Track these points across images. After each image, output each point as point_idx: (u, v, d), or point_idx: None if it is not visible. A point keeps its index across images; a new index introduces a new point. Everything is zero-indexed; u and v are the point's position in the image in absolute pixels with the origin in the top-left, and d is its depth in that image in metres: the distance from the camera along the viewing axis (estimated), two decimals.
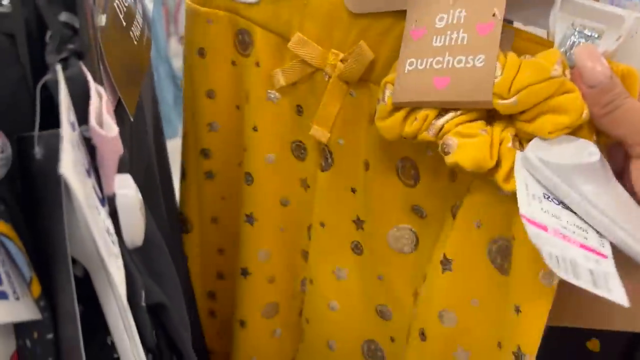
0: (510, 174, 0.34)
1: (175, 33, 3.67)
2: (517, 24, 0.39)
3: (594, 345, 0.47)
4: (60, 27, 0.24)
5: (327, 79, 0.41)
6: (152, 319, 0.31)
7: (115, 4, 0.34)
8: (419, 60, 0.35)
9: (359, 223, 0.44)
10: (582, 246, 0.31)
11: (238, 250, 0.53)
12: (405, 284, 0.43)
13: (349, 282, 0.45)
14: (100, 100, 0.25)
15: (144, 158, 0.42)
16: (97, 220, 0.24)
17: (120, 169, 0.28)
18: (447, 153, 0.35)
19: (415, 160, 0.41)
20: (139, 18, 0.39)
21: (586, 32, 0.32)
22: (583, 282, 0.29)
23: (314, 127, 0.42)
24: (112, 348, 0.31)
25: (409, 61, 0.36)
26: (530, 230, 0.30)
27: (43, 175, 0.25)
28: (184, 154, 0.53)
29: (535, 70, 0.32)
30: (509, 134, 0.34)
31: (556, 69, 0.31)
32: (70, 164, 0.21)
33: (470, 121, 0.35)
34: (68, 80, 0.25)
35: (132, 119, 0.32)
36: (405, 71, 0.36)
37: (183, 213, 0.55)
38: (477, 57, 0.33)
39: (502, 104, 0.33)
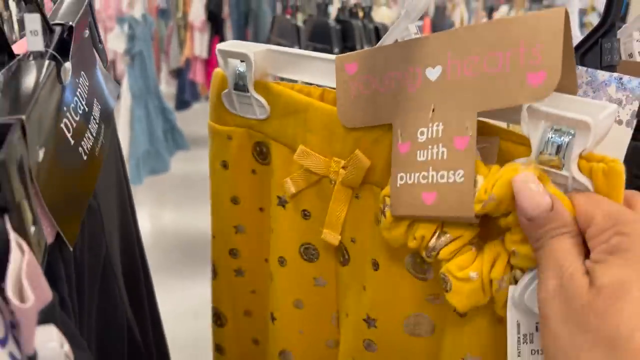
0: (503, 307, 0.32)
1: (166, 65, 3.71)
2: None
3: None
4: None
5: (332, 184, 0.41)
6: None
7: (62, 124, 0.34)
8: (408, 175, 0.34)
9: (370, 322, 0.42)
10: None
11: (267, 345, 0.51)
12: None
13: None
14: (22, 259, 0.24)
15: (99, 261, 0.42)
16: None
17: (47, 319, 0.27)
18: (446, 290, 0.33)
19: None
20: (93, 125, 0.39)
21: (563, 129, 0.29)
22: None
23: (325, 232, 0.42)
24: None
25: (399, 175, 0.34)
26: None
27: None
28: (214, 253, 0.54)
29: (507, 169, 0.30)
30: (497, 277, 0.32)
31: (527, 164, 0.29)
32: None
33: (463, 246, 0.33)
34: None
35: (71, 249, 0.32)
36: (398, 185, 0.34)
37: (217, 308, 0.56)
38: (457, 172, 0.31)
39: (480, 207, 0.31)
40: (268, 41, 2.02)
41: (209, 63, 3.44)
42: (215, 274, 0.55)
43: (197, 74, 3.42)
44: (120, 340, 0.41)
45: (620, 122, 0.36)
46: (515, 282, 0.31)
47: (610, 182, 0.29)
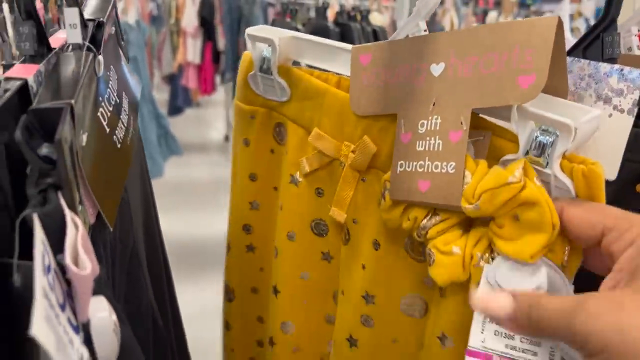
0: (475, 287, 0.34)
1: (158, 70, 3.72)
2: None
3: None
4: (38, 162, 0.24)
5: (342, 166, 0.43)
6: None
7: (99, 114, 0.36)
8: (407, 163, 0.36)
9: (368, 298, 0.44)
10: None
11: (268, 319, 0.55)
12: (417, 346, 0.44)
13: (360, 349, 0.46)
14: (76, 233, 0.23)
15: (127, 249, 0.43)
16: (70, 355, 0.22)
17: (96, 291, 0.29)
18: (429, 264, 0.36)
19: None
20: (123, 117, 0.41)
21: (549, 129, 0.31)
22: None
23: (333, 209, 0.45)
24: None
25: (399, 163, 0.37)
26: None
27: (21, 302, 0.22)
28: (229, 228, 0.57)
29: (495, 177, 0.31)
30: (478, 252, 0.34)
31: (515, 176, 0.31)
32: (43, 321, 0.20)
33: (451, 227, 0.35)
34: (45, 215, 0.23)
35: (111, 229, 0.34)
36: (397, 172, 0.37)
37: (228, 283, 0.58)
38: (450, 164, 0.34)
39: (467, 209, 0.33)
40: None
41: (202, 69, 3.45)
42: (228, 248, 0.58)
43: (190, 80, 3.44)
44: (147, 330, 0.43)
45: (622, 111, 0.39)
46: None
47: (590, 182, 0.31)
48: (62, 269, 0.24)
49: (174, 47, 3.50)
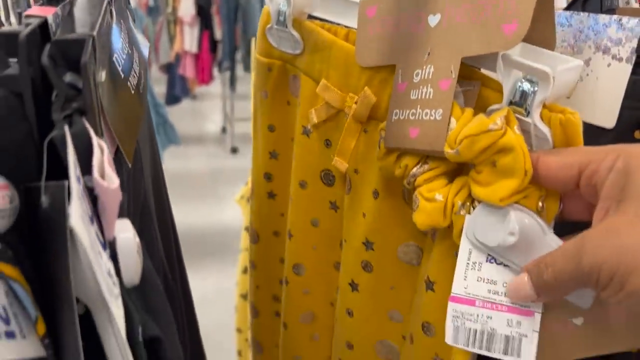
0: (459, 236, 0.36)
1: (155, 61, 3.73)
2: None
3: None
4: (64, 87, 0.26)
5: (347, 118, 0.45)
6: (147, 353, 0.32)
7: (114, 58, 0.37)
8: (401, 111, 0.38)
9: (368, 244, 0.47)
10: (510, 310, 0.34)
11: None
12: (413, 291, 0.46)
13: (361, 294, 0.49)
14: (102, 154, 0.26)
15: (139, 198, 0.44)
16: (100, 264, 0.24)
17: (120, 214, 0.30)
18: (413, 209, 0.38)
19: None
20: (135, 67, 0.42)
21: (533, 79, 0.32)
22: (494, 353, 0.34)
23: (335, 159, 0.47)
24: None
25: (395, 111, 0.38)
26: (451, 312, 0.35)
27: (49, 223, 0.26)
28: (252, 176, 0.62)
29: (477, 124, 0.32)
30: (459, 200, 0.36)
31: (496, 123, 0.31)
32: (79, 217, 0.22)
33: (438, 176, 0.37)
34: (73, 136, 0.25)
35: (130, 166, 0.35)
36: (392, 120, 0.38)
37: (253, 227, 0.63)
38: (437, 111, 0.35)
39: (449, 153, 0.34)
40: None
41: (199, 58, 3.45)
42: (252, 195, 0.62)
43: (187, 69, 3.44)
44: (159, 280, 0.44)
45: (620, 60, 0.40)
46: None
47: (567, 132, 0.32)
48: (88, 190, 0.25)
49: (171, 36, 3.50)
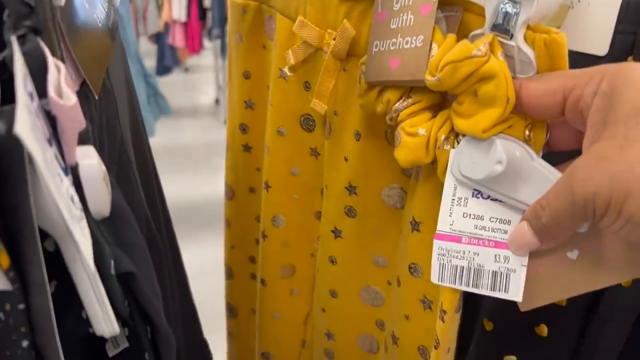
0: (444, 173, 0.35)
1: (144, 32, 3.68)
2: None
3: (541, 330, 0.46)
4: (16, 4, 0.24)
5: (325, 57, 0.43)
6: (122, 289, 0.32)
7: None
8: (381, 42, 0.36)
9: (351, 189, 0.46)
10: (497, 245, 0.33)
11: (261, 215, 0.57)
12: (398, 235, 0.46)
13: (344, 240, 0.48)
14: (58, 72, 0.26)
15: (116, 143, 0.43)
16: (59, 186, 0.23)
17: (83, 142, 0.29)
18: (395, 145, 0.36)
19: None
20: (103, 3, 0.40)
21: (516, 0, 0.31)
22: (482, 290, 0.34)
23: (314, 101, 0.44)
24: (88, 322, 0.32)
25: (374, 43, 0.37)
26: (436, 250, 0.35)
27: (7, 149, 0.25)
28: (228, 129, 0.59)
29: (460, 50, 0.31)
30: (442, 134, 0.35)
31: (480, 50, 0.31)
32: (27, 127, 0.20)
33: (421, 110, 0.36)
34: (25, 54, 0.24)
35: (96, 97, 0.33)
36: (372, 53, 0.37)
37: (228, 183, 0.61)
38: (418, 37, 0.34)
39: (429, 81, 0.33)
40: None
41: (188, 26, 3.40)
42: (227, 149, 0.60)
43: (177, 38, 3.39)
44: (141, 228, 0.43)
45: None
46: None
47: (551, 52, 0.31)
48: (46, 114, 0.24)
49: (159, 5, 3.44)
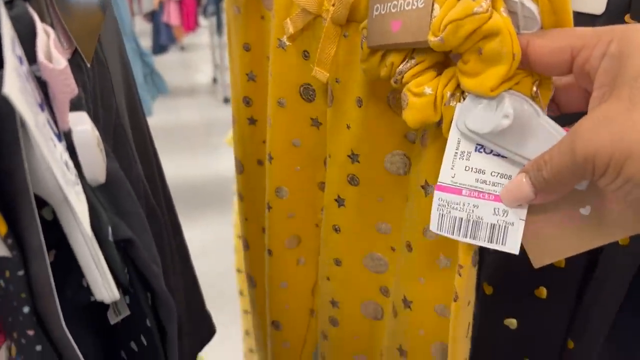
0: (449, 129, 0.35)
1: (139, 12, 3.64)
2: None
3: (540, 293, 0.46)
4: None
5: (325, 24, 0.43)
6: (121, 256, 0.32)
7: None
8: (382, 5, 0.36)
9: (353, 157, 0.46)
10: (497, 199, 0.34)
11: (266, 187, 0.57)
12: (402, 201, 0.46)
13: (347, 209, 0.49)
14: (47, 37, 0.26)
15: (111, 113, 0.43)
16: (52, 151, 0.22)
17: (76, 108, 0.29)
18: (403, 107, 0.36)
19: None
20: None
21: None
22: (479, 241, 0.34)
23: (315, 69, 0.44)
24: (89, 290, 0.32)
25: (375, 7, 0.37)
26: (437, 201, 0.35)
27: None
28: (232, 103, 0.59)
29: (462, 8, 0.31)
30: (448, 91, 0.35)
31: (482, 6, 0.30)
32: (16, 88, 0.20)
33: (426, 69, 0.36)
34: (13, 19, 0.24)
35: (88, 65, 0.33)
36: (373, 16, 0.37)
37: (236, 156, 0.62)
38: None
39: (432, 41, 0.32)
40: None
41: (183, 3, 3.36)
42: (234, 123, 0.60)
43: (172, 16, 3.36)
44: (140, 202, 0.43)
45: None
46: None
47: (555, 6, 0.31)
48: (37, 80, 0.24)
49: None
